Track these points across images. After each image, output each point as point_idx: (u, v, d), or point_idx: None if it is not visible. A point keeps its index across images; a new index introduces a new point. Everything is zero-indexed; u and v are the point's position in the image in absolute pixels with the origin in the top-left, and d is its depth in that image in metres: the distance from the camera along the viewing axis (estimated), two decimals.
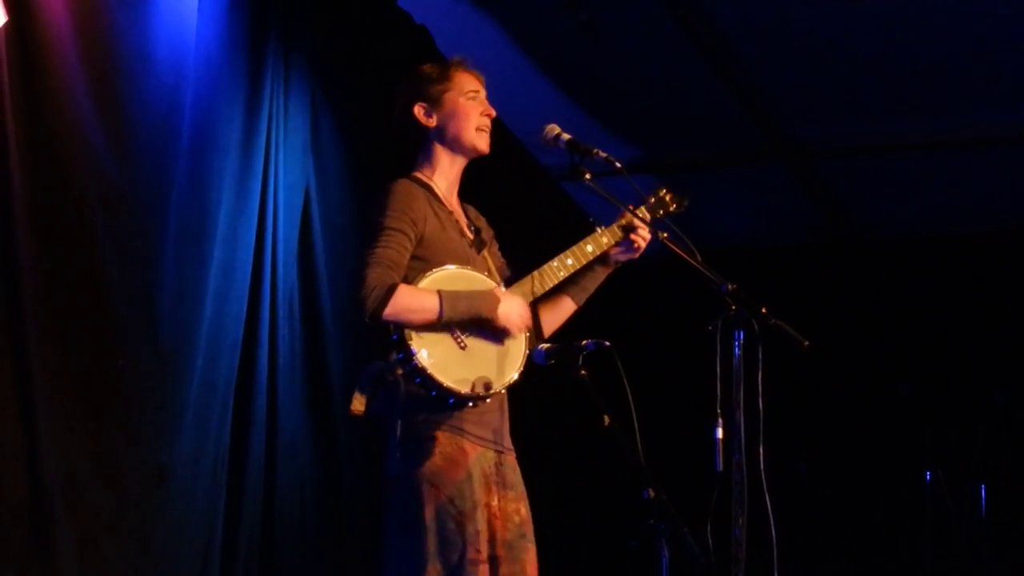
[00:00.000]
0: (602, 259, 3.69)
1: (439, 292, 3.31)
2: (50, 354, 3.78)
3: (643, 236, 3.67)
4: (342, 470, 4.98)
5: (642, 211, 3.76)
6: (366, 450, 5.01)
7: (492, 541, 3.36)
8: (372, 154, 5.20)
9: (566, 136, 3.60)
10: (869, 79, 6.07)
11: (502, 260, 3.71)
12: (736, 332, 3.35)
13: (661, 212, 3.81)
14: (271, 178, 4.73)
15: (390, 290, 3.25)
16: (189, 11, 4.37)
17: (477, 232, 3.63)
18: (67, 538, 3.78)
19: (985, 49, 5.70)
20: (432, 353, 3.28)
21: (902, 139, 6.63)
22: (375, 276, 3.27)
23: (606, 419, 3.11)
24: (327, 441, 4.95)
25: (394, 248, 3.34)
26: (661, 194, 3.85)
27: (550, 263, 3.58)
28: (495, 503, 3.39)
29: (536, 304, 3.66)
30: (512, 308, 3.41)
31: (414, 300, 3.28)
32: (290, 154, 4.87)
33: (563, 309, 3.71)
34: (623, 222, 3.68)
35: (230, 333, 4.48)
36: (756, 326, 3.33)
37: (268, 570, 4.64)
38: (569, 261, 3.60)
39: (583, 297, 3.71)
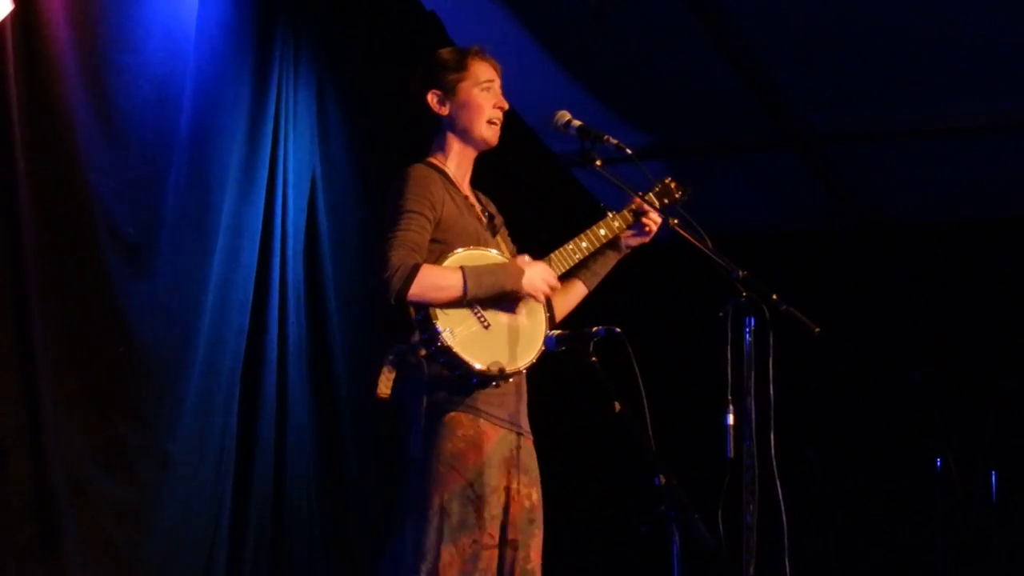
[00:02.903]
0: (613, 244, 3.72)
1: (462, 268, 3.33)
2: (54, 341, 3.79)
3: (654, 220, 3.71)
4: (346, 457, 4.98)
5: (650, 197, 3.78)
6: (371, 437, 5.01)
7: (508, 524, 3.38)
8: (377, 140, 5.19)
9: (577, 122, 3.61)
10: (882, 65, 6.05)
11: (513, 246, 3.73)
12: (747, 318, 3.35)
13: (666, 200, 3.83)
14: (280, 165, 4.73)
15: (414, 270, 3.27)
16: (189, 3, 4.35)
17: (491, 217, 3.65)
18: (73, 525, 3.78)
19: (1000, 34, 5.68)
20: (456, 332, 3.29)
21: (913, 125, 6.62)
22: (399, 257, 3.28)
23: (617, 406, 3.12)
24: (331, 428, 4.95)
25: (415, 230, 3.36)
26: (667, 182, 3.86)
27: (565, 246, 3.60)
28: (513, 486, 3.41)
29: None
30: (536, 274, 3.44)
31: (439, 278, 3.30)
32: (299, 141, 4.87)
33: (575, 293, 3.73)
34: (633, 207, 3.71)
35: (235, 320, 4.48)
36: (767, 312, 3.34)
37: (278, 558, 4.65)
38: (584, 244, 3.63)
39: (594, 282, 3.75)
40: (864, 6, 5.55)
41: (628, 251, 3.78)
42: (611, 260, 3.75)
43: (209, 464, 4.37)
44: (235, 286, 4.50)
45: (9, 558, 3.61)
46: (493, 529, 3.32)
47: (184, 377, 4.27)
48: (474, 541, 3.28)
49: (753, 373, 3.33)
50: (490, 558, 3.31)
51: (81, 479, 3.85)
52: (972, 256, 7.49)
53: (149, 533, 4.10)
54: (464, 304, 3.33)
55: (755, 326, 3.35)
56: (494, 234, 3.61)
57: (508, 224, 3.77)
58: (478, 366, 3.29)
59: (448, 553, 3.27)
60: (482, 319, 3.36)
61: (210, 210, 4.41)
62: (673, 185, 3.86)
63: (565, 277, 3.65)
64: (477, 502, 3.30)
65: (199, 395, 4.33)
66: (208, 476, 4.36)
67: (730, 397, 3.32)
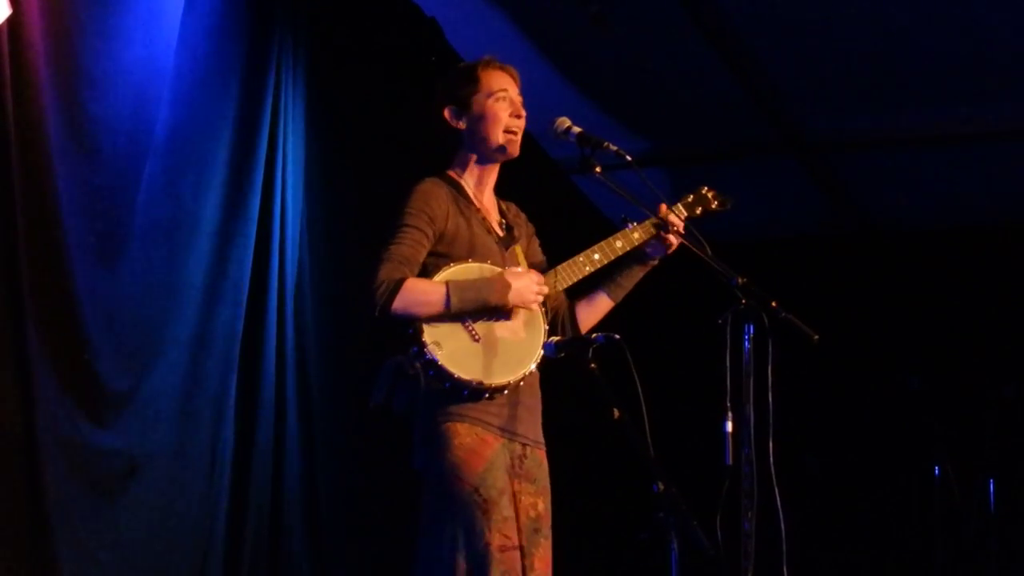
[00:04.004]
0: (639, 257, 3.65)
1: (447, 283, 3.33)
2: (48, 345, 3.80)
3: (675, 233, 3.62)
4: (316, 467, 4.94)
5: (678, 208, 3.72)
6: (347, 446, 5.00)
7: (518, 530, 3.37)
8: (375, 147, 5.18)
9: (576, 129, 3.60)
10: (880, 71, 6.06)
11: (542, 257, 3.71)
12: (746, 325, 3.36)
13: (700, 210, 3.78)
14: (278, 173, 4.71)
15: (398, 284, 3.28)
16: (173, 11, 4.33)
17: (509, 229, 3.63)
18: (61, 529, 3.78)
19: (999, 41, 5.69)
20: (444, 345, 3.29)
21: (912, 132, 6.63)
22: (385, 272, 3.30)
23: (616, 412, 3.11)
24: (306, 438, 4.91)
25: (407, 244, 3.36)
26: (703, 191, 3.82)
27: (575, 258, 3.57)
28: (516, 494, 3.39)
29: (573, 301, 3.68)
30: (523, 285, 3.42)
31: (422, 293, 3.31)
32: (298, 149, 4.86)
33: (599, 306, 3.69)
34: (656, 219, 3.64)
35: (223, 327, 4.45)
36: (766, 319, 3.34)
37: (276, 564, 4.64)
38: (596, 256, 3.58)
39: (620, 294, 3.69)
40: (864, 13, 5.55)
41: (654, 263, 3.69)
42: (637, 273, 3.67)
43: (195, 470, 4.34)
44: (223, 294, 4.47)
45: (5, 562, 3.61)
46: (508, 530, 3.30)
47: (155, 383, 4.23)
48: (486, 544, 3.26)
49: (752, 380, 3.33)
50: (512, 559, 3.29)
51: (62, 482, 3.83)
52: (971, 262, 7.50)
53: (125, 539, 4.07)
54: (452, 318, 3.33)
55: (754, 333, 3.35)
56: (507, 246, 3.58)
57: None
58: (466, 379, 3.29)
59: (464, 560, 3.26)
60: (472, 332, 3.36)
61: (185, 218, 4.38)
62: (711, 195, 3.81)
63: (589, 290, 3.65)
64: (484, 505, 3.29)
65: (179, 402, 4.30)
66: (195, 482, 4.33)
67: (729, 404, 3.32)
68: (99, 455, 4.02)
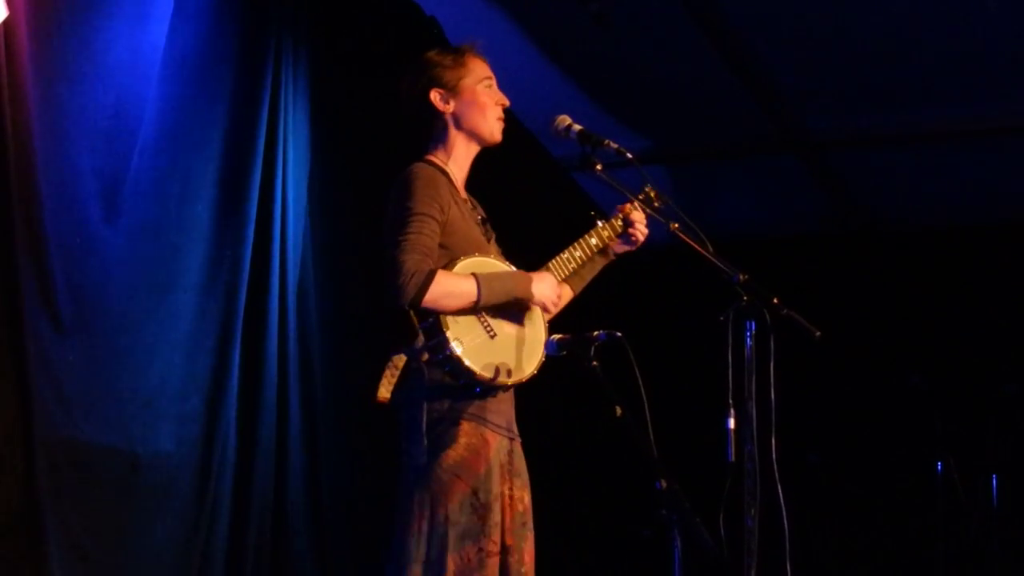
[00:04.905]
0: (603, 251, 3.75)
1: (475, 276, 3.33)
2: (44, 344, 3.79)
3: (641, 230, 3.74)
4: (319, 467, 4.92)
5: (637, 205, 3.79)
6: (351, 446, 5.00)
7: (504, 530, 3.37)
8: (375, 148, 5.18)
9: (577, 127, 3.62)
10: (881, 69, 6.05)
11: (499, 249, 3.73)
12: (748, 322, 3.36)
13: (649, 210, 3.84)
14: (278, 173, 4.71)
15: (429, 276, 3.25)
16: (161, 15, 4.32)
17: (484, 221, 3.65)
18: (54, 530, 3.76)
19: (1001, 38, 5.69)
20: (464, 340, 3.28)
21: (914, 129, 6.62)
22: (413, 262, 3.25)
23: (618, 410, 3.11)
24: (310, 438, 4.91)
25: (426, 234, 3.33)
26: (647, 191, 3.87)
27: (560, 255, 3.62)
28: (506, 490, 3.41)
29: None
30: (546, 287, 3.47)
31: (453, 286, 3.29)
32: (299, 148, 4.85)
33: (562, 298, 3.73)
34: (622, 216, 3.73)
35: (219, 328, 4.44)
36: (768, 316, 3.34)
37: (279, 565, 4.64)
38: (578, 254, 3.65)
39: (581, 287, 3.77)
40: (864, 11, 5.55)
41: (615, 258, 3.81)
42: (598, 265, 3.78)
43: (196, 472, 4.32)
44: (217, 296, 4.45)
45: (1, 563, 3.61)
46: (496, 536, 3.32)
47: (153, 383, 4.22)
48: (480, 549, 3.27)
49: (754, 377, 3.33)
50: (494, 565, 3.31)
51: (59, 483, 3.82)
52: (973, 260, 7.49)
53: (124, 540, 4.06)
54: (472, 312, 3.33)
55: (756, 330, 3.35)
56: (489, 239, 3.60)
57: (509, 229, 3.77)
58: (484, 375, 3.29)
59: (453, 562, 3.26)
60: (488, 328, 3.35)
61: (174, 219, 4.36)
62: (653, 194, 3.88)
63: None
64: (482, 510, 3.29)
65: (177, 403, 4.29)
66: (197, 484, 4.32)
67: (731, 401, 3.32)
68: (98, 455, 4.01)
